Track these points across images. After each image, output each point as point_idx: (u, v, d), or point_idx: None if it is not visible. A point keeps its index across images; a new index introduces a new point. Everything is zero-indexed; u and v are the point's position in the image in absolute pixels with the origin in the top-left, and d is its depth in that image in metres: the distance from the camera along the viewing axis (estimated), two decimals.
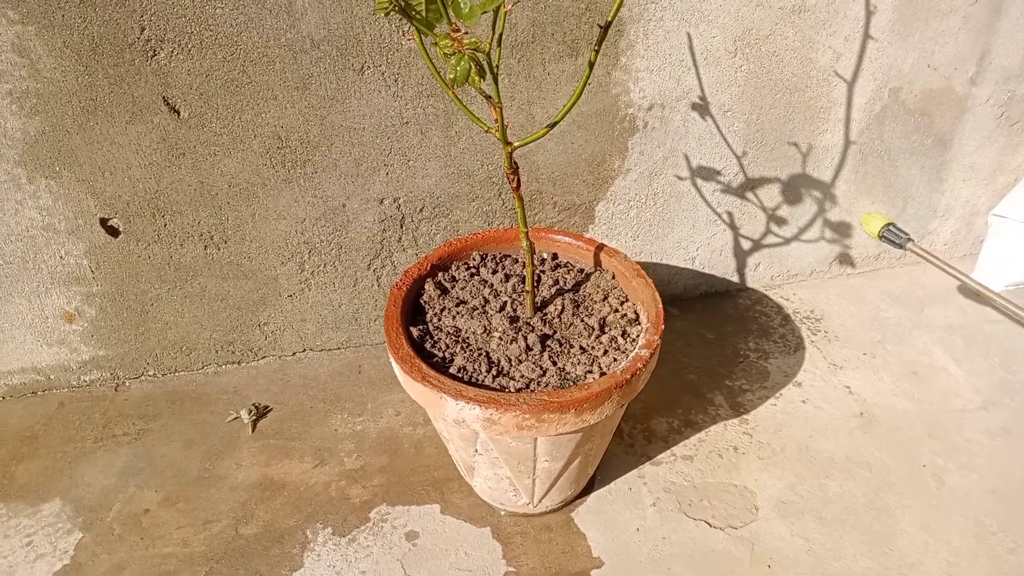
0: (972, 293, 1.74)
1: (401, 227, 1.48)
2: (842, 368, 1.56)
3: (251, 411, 1.45)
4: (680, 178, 1.55)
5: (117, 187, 1.32)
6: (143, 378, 1.55)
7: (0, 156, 1.25)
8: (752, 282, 1.77)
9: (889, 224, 1.24)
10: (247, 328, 1.53)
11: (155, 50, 1.21)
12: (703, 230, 1.64)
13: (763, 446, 1.40)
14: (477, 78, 0.74)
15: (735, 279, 1.75)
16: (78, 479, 1.34)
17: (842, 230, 1.72)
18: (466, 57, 0.72)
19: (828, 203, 1.66)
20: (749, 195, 1.61)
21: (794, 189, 1.62)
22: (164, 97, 1.26)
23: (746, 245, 1.69)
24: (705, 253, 1.68)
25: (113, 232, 1.37)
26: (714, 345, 1.62)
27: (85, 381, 1.53)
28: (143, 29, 1.19)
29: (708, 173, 1.55)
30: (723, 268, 1.72)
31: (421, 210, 1.46)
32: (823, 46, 1.45)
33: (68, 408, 1.49)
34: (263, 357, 1.58)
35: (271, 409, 1.48)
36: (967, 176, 1.71)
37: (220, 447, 1.40)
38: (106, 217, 1.35)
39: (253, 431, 1.43)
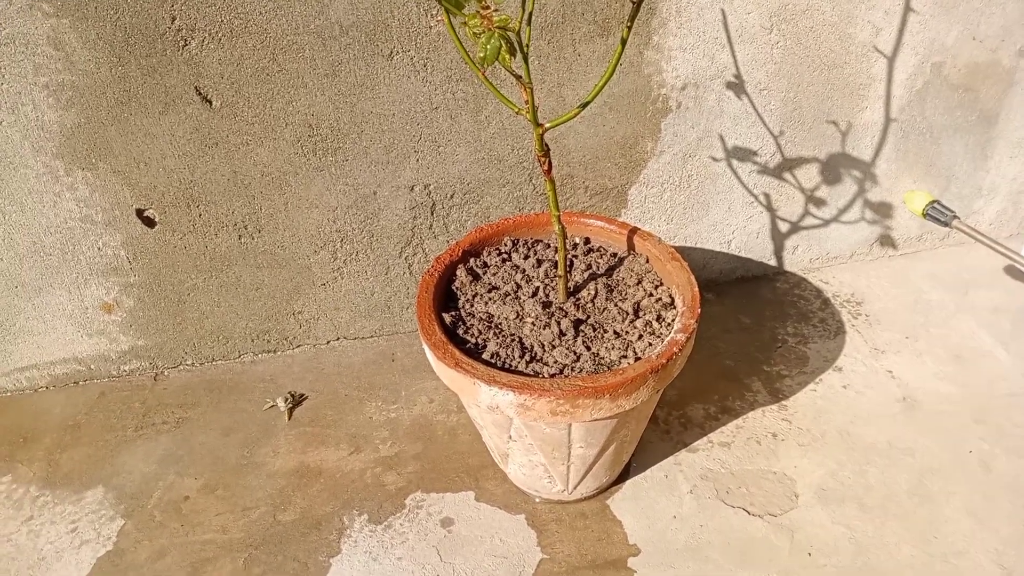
0: (1020, 274, 1.68)
1: (432, 214, 1.47)
2: (884, 352, 1.52)
3: (287, 399, 1.46)
4: (715, 159, 1.52)
5: (152, 178, 1.34)
6: (181, 367, 1.57)
7: (38, 149, 1.27)
8: (790, 265, 1.73)
9: (933, 202, 1.20)
10: (282, 317, 1.54)
11: (186, 40, 1.22)
12: (739, 213, 1.60)
13: (803, 432, 1.37)
14: (507, 56, 0.73)
15: (772, 262, 1.71)
16: (119, 467, 1.36)
17: (883, 210, 1.67)
18: (496, 35, 0.71)
19: (868, 183, 1.62)
20: (787, 176, 1.57)
21: (833, 169, 1.58)
22: (196, 87, 1.26)
23: (784, 227, 1.65)
24: (741, 236, 1.65)
25: (149, 223, 1.39)
26: (751, 330, 1.59)
27: (125, 371, 1.55)
28: (174, 19, 1.19)
29: (744, 154, 1.52)
30: (760, 251, 1.69)
31: (452, 196, 1.46)
32: (862, 20, 1.40)
33: (109, 397, 1.51)
34: (298, 346, 1.59)
35: (306, 397, 1.48)
36: (1014, 152, 1.66)
37: (257, 435, 1.41)
38: (142, 208, 1.37)
39: (289, 419, 1.44)
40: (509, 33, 0.73)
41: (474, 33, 0.74)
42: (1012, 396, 1.41)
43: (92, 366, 1.53)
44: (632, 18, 0.85)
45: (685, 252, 1.63)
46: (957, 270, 1.72)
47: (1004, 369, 1.47)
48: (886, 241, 1.74)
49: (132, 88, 1.24)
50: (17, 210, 1.32)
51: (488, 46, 0.71)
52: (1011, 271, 1.70)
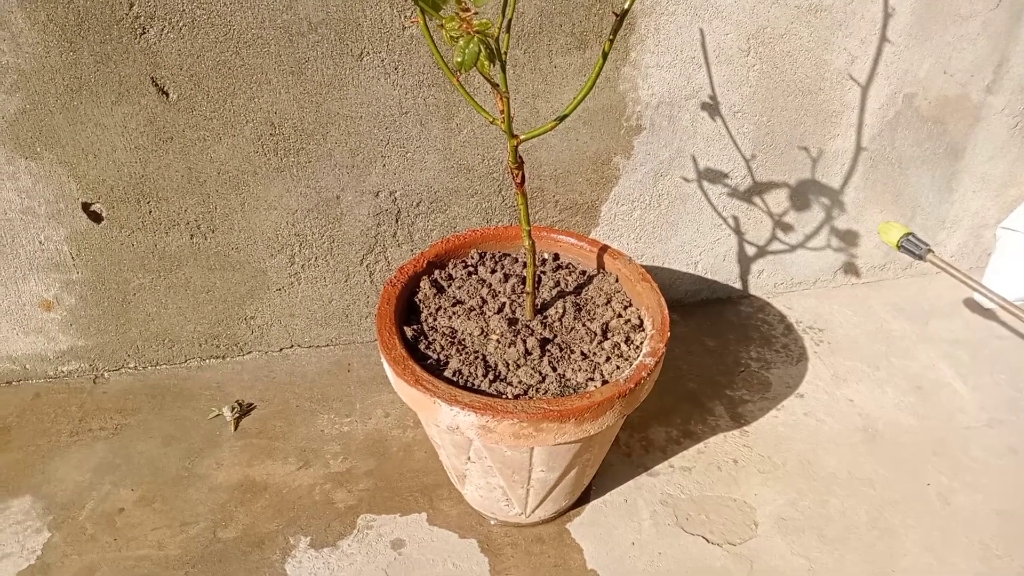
0: (979, 307, 1.70)
1: (396, 221, 1.42)
2: (845, 380, 1.52)
3: (234, 408, 1.40)
4: (686, 180, 1.50)
5: (101, 171, 1.27)
6: (123, 370, 1.49)
7: None
8: (755, 289, 1.72)
9: (909, 234, 1.20)
10: (233, 322, 1.47)
11: (144, 28, 1.15)
12: (707, 234, 1.59)
13: (763, 459, 1.35)
14: (486, 63, 0.69)
15: (737, 285, 1.70)
16: (51, 475, 1.28)
17: (849, 238, 1.68)
18: (475, 39, 0.67)
19: (836, 210, 1.62)
20: (756, 199, 1.56)
21: (802, 195, 1.58)
22: (153, 78, 1.20)
23: (750, 251, 1.65)
24: (708, 258, 1.63)
25: (96, 218, 1.31)
26: (715, 353, 1.58)
27: (62, 372, 1.47)
28: (132, 5, 1.13)
29: (715, 176, 1.51)
30: (726, 274, 1.67)
31: (418, 204, 1.41)
32: (838, 48, 1.40)
33: (43, 400, 1.43)
34: (248, 352, 1.52)
35: (255, 407, 1.42)
36: (978, 187, 1.67)
37: (200, 445, 1.34)
38: (88, 202, 1.30)
39: (235, 429, 1.37)
40: (488, 39, 0.70)
41: (451, 37, 0.70)
42: (969, 429, 1.41)
43: (27, 366, 1.45)
44: (615, 32, 0.83)
45: (652, 271, 1.61)
46: (918, 301, 1.73)
47: (962, 402, 1.47)
48: (850, 269, 1.74)
49: (84, 75, 1.18)
50: None
51: (467, 51, 0.67)
52: (970, 304, 1.71)
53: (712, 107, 1.42)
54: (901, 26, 1.40)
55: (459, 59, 0.68)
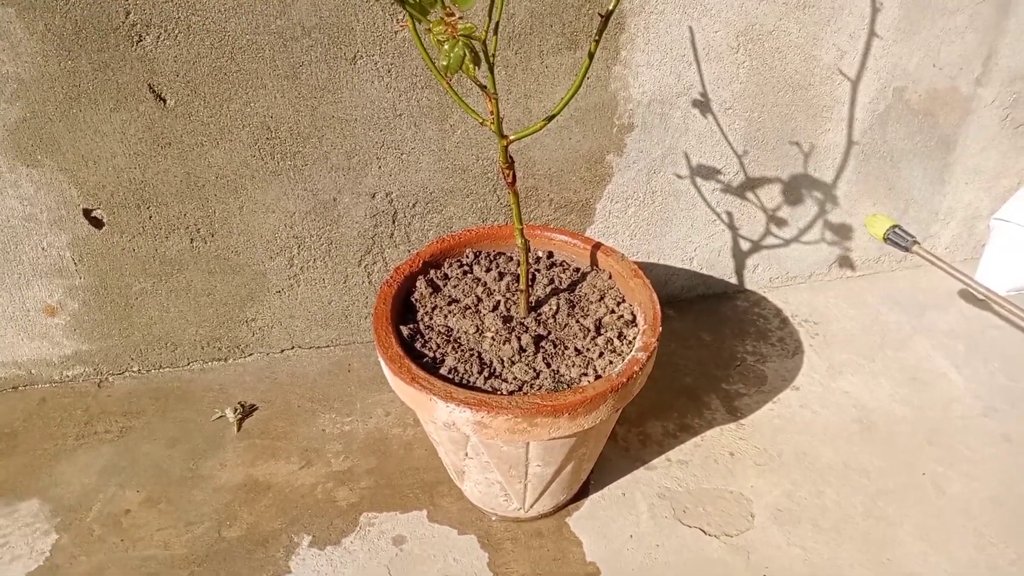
0: (974, 298, 1.71)
1: (393, 222, 1.44)
2: (841, 373, 1.53)
3: (236, 410, 1.41)
4: (679, 176, 1.52)
5: (101, 177, 1.29)
6: (127, 374, 1.51)
7: None
8: (750, 284, 1.74)
9: (895, 226, 1.21)
10: (234, 324, 1.49)
11: (141, 35, 1.17)
12: (702, 230, 1.61)
13: (760, 451, 1.37)
14: (471, 66, 0.70)
15: (733, 280, 1.72)
16: (58, 478, 1.30)
17: (842, 232, 1.69)
18: (460, 43, 0.69)
19: (829, 204, 1.64)
20: (749, 195, 1.58)
21: (795, 189, 1.59)
22: (150, 84, 1.22)
23: (745, 246, 1.66)
24: (703, 253, 1.65)
25: (97, 223, 1.33)
26: (711, 347, 1.59)
27: (67, 376, 1.49)
28: (128, 13, 1.15)
29: (708, 172, 1.52)
30: (721, 269, 1.69)
31: (414, 205, 1.43)
32: (827, 43, 1.42)
33: (49, 404, 1.45)
34: (250, 354, 1.54)
35: (257, 408, 1.44)
36: (970, 179, 1.69)
37: (204, 446, 1.36)
38: (89, 208, 1.32)
39: (238, 430, 1.39)
40: (474, 42, 0.71)
41: (438, 41, 0.71)
42: (965, 419, 1.43)
43: (33, 371, 1.47)
44: (600, 32, 0.84)
45: (648, 268, 1.63)
46: (913, 292, 1.75)
47: (958, 392, 1.48)
48: (845, 262, 1.76)
49: (82, 83, 1.19)
50: None
51: (452, 54, 0.69)
52: (965, 295, 1.73)
53: (703, 104, 1.43)
54: (889, 20, 1.42)
55: (444, 63, 0.70)
